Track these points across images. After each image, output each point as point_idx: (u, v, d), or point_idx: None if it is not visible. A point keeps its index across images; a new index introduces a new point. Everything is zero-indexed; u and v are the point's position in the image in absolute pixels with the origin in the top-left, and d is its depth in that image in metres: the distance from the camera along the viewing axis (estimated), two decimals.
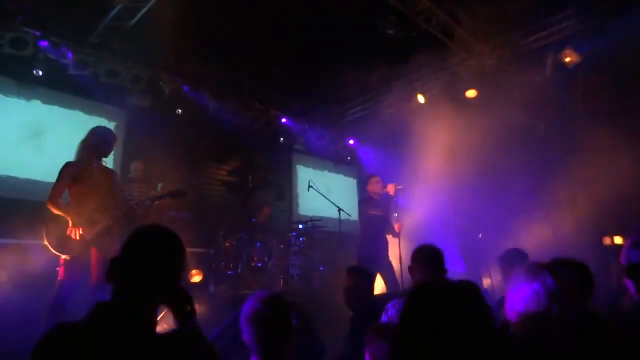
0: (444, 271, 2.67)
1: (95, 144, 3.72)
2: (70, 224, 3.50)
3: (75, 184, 3.60)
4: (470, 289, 1.12)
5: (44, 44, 5.67)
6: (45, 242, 3.47)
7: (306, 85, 7.61)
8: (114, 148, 3.94)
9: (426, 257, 2.69)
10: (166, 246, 1.40)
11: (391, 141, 8.86)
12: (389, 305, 2.49)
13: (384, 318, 2.45)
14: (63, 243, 3.47)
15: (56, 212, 3.51)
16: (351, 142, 9.60)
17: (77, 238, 3.49)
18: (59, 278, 3.47)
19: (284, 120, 8.53)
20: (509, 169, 7.20)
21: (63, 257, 3.48)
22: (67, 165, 3.64)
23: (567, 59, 6.12)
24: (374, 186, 5.41)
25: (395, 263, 5.14)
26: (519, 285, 1.68)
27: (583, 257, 2.11)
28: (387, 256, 5.19)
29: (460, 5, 5.96)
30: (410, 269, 2.75)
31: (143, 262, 1.34)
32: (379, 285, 5.18)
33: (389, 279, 5.02)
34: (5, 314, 3.63)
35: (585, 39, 6.07)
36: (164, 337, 1.29)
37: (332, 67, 6.59)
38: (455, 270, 6.15)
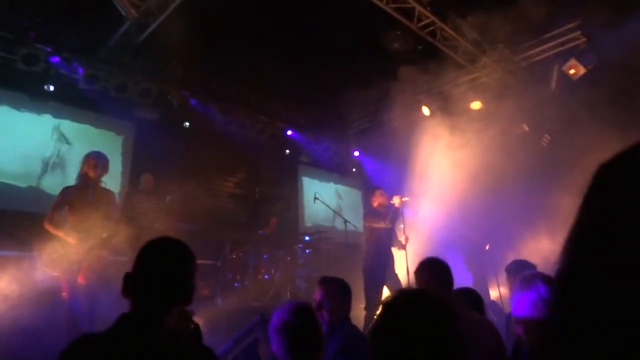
0: (451, 285, 2.50)
1: (86, 170, 3.94)
2: (62, 243, 3.66)
3: (71, 206, 3.83)
4: (422, 303, 1.11)
5: (55, 59, 5.80)
6: (39, 259, 3.66)
7: (312, 98, 7.69)
8: (107, 170, 4.08)
9: (431, 271, 2.52)
10: (179, 256, 1.44)
11: (396, 153, 8.88)
12: None
13: None
14: (55, 261, 3.62)
15: (51, 230, 3.70)
16: (356, 154, 9.65)
17: (68, 257, 3.62)
18: (63, 295, 3.62)
19: (289, 132, 8.61)
20: (515, 179, 7.18)
21: (54, 274, 3.64)
22: (65, 189, 3.94)
23: (572, 71, 6.14)
24: (379, 199, 5.45)
25: (402, 275, 5.15)
26: (517, 297, 1.67)
27: None
28: (393, 267, 5.20)
29: (464, 19, 6.03)
30: (416, 282, 2.61)
31: (160, 274, 1.37)
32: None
33: (396, 290, 4.99)
34: (13, 327, 3.67)
35: (590, 51, 6.10)
36: (184, 345, 1.32)
37: (337, 80, 6.67)
38: (463, 283, 6.11)
